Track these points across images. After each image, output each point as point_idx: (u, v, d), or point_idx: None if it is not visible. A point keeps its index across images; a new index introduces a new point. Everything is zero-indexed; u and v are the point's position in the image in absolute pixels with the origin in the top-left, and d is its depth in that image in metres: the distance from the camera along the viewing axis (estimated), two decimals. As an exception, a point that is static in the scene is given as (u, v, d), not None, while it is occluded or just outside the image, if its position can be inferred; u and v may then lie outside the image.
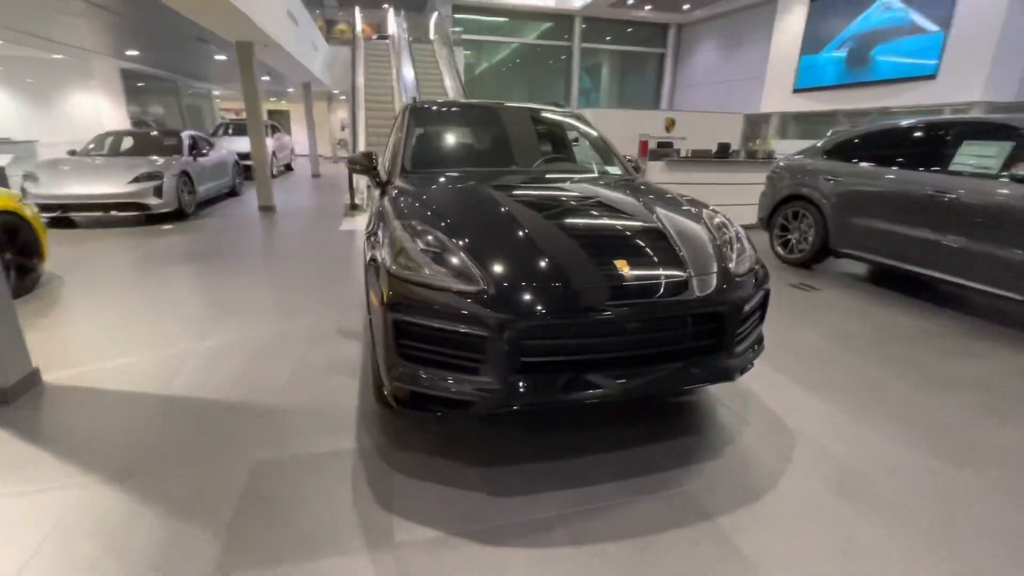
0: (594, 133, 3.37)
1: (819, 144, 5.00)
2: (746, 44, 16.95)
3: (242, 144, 12.12)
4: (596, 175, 3.07)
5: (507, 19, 19.68)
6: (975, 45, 10.14)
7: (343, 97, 20.55)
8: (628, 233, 2.07)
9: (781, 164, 5.30)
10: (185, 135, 7.79)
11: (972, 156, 3.63)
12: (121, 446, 2.04)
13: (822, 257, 4.90)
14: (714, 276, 1.88)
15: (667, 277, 1.81)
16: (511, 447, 2.07)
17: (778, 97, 15.19)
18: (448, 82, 12.27)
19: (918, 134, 4.12)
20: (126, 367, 2.73)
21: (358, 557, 1.52)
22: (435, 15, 13.97)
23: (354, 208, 7.53)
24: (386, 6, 19.90)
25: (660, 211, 2.23)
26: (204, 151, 8.15)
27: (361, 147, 8.98)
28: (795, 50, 14.50)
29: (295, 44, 9.13)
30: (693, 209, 2.33)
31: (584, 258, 1.85)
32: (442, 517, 1.69)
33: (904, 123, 4.28)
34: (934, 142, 3.93)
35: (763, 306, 2.12)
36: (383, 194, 2.63)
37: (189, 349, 2.96)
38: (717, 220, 2.23)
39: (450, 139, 3.29)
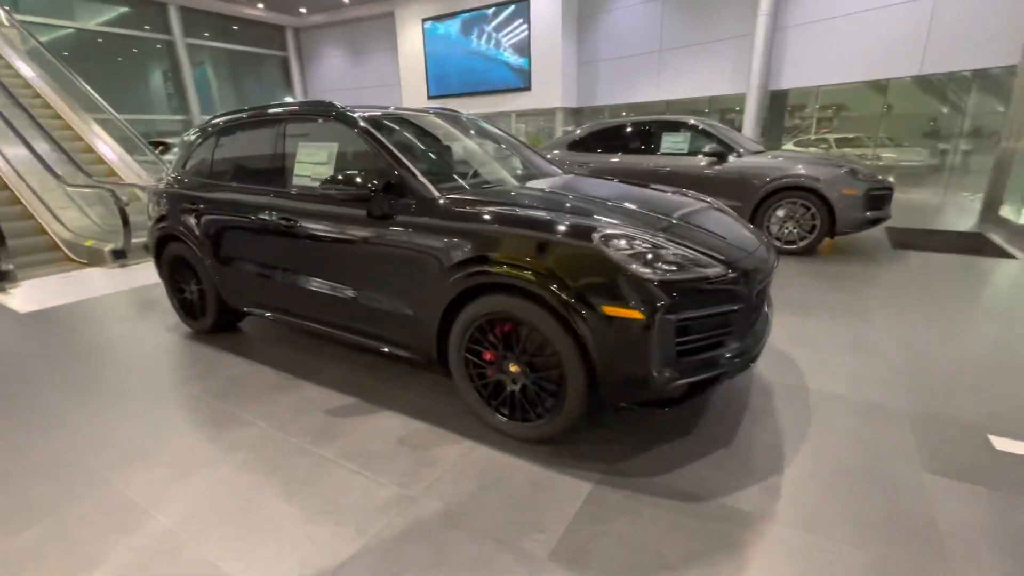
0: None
1: (560, 139, 6.45)
2: (375, 52, 18.15)
3: None
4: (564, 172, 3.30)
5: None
6: (547, 70, 14.28)
7: None
8: (716, 212, 2.59)
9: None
10: None
11: (670, 143, 5.64)
12: None
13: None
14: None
15: (765, 239, 2.47)
16: (652, 422, 2.33)
17: (415, 103, 17.14)
18: (26, 71, 8.47)
19: (633, 129, 5.98)
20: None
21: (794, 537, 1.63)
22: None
23: None
24: None
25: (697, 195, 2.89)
26: None
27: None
28: (421, 62, 16.60)
29: None
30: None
31: (724, 226, 2.29)
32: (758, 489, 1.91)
33: (621, 121, 6.11)
34: (645, 134, 5.84)
35: None
36: (399, 221, 2.24)
37: (155, 544, 1.67)
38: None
39: (434, 152, 2.82)
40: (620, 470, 1.97)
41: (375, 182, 2.28)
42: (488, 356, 2.14)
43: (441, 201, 2.25)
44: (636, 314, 1.75)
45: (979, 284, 4.21)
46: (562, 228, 1.93)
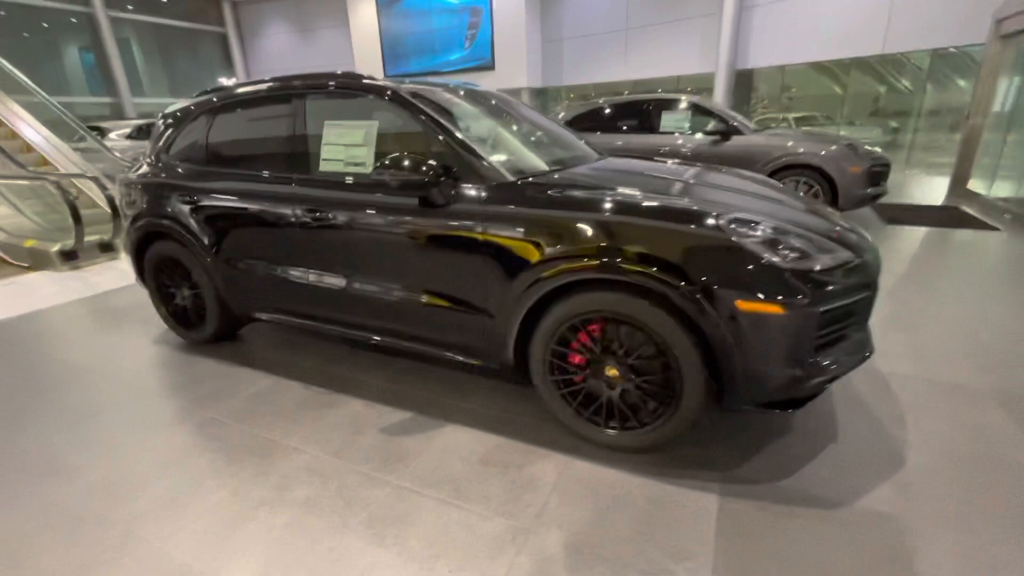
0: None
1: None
2: (324, 28, 17.05)
3: None
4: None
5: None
6: (511, 49, 13.87)
7: None
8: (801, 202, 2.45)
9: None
10: None
11: (671, 121, 5.51)
12: None
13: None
14: None
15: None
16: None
17: (375, 83, 16.24)
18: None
19: (632, 108, 5.80)
20: None
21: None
22: None
23: None
24: None
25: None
26: None
27: None
28: (376, 38, 15.74)
29: None
30: None
31: (828, 214, 2.18)
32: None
33: (616, 100, 5.91)
34: (645, 113, 5.67)
35: None
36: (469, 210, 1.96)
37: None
38: None
39: (487, 130, 2.49)
40: (739, 477, 1.81)
41: (431, 164, 1.96)
42: (577, 359, 1.92)
43: (519, 186, 1.97)
44: (775, 308, 1.57)
45: (978, 256, 4.36)
46: (682, 214, 1.71)
